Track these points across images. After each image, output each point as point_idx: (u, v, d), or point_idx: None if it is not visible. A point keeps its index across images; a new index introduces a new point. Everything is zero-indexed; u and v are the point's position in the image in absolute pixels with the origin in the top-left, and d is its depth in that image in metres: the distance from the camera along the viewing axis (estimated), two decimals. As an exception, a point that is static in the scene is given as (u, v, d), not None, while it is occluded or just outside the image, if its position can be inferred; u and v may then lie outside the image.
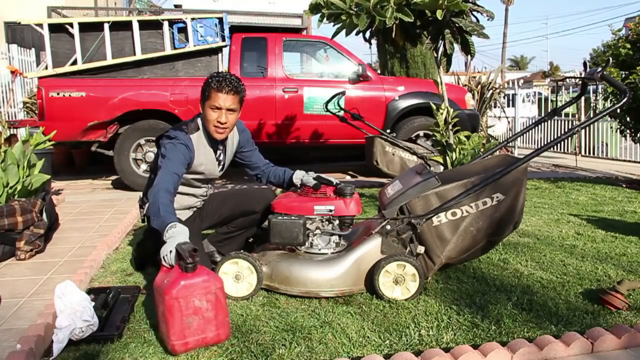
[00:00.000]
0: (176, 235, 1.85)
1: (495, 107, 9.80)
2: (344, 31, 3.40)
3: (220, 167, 2.47)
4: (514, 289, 2.24)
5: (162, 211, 1.99)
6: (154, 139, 5.18)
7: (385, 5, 3.10)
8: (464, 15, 3.31)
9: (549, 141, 3.19)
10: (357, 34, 3.40)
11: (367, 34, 3.52)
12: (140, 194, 2.59)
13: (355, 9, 3.20)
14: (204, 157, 2.34)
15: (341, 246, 2.33)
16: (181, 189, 2.41)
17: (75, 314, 1.75)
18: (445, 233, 2.22)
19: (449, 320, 1.95)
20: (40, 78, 5.25)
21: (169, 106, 5.25)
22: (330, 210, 2.28)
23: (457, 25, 3.30)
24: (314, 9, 3.35)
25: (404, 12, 3.08)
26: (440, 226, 2.21)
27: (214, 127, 2.27)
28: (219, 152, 2.42)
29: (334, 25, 3.42)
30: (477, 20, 3.43)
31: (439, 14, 3.04)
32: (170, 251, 1.79)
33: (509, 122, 9.72)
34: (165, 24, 5.40)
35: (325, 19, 3.37)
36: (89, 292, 2.17)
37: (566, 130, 8.99)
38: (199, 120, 2.36)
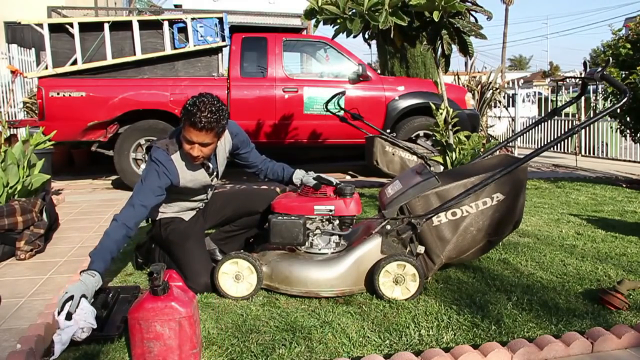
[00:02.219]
0: (86, 284, 1.83)
1: (495, 106, 9.81)
2: (343, 32, 3.40)
3: (214, 175, 2.45)
4: (514, 289, 2.24)
5: (100, 247, 2.00)
6: (154, 139, 5.25)
7: (379, 9, 3.10)
8: (462, 16, 3.31)
9: (549, 141, 3.20)
10: (354, 36, 3.40)
11: (366, 35, 3.52)
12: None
13: (349, 13, 3.20)
14: (189, 174, 2.30)
15: (341, 246, 2.33)
16: (181, 196, 2.42)
17: (78, 315, 1.75)
18: (445, 233, 2.22)
19: (449, 320, 1.95)
20: (40, 78, 5.26)
21: (169, 106, 5.25)
22: (331, 210, 2.28)
23: (454, 26, 3.30)
24: (308, 14, 3.36)
25: (398, 16, 3.07)
26: (440, 226, 2.21)
27: (189, 155, 2.21)
28: (207, 164, 2.37)
29: (332, 27, 3.42)
30: (476, 20, 3.43)
31: (436, 16, 3.03)
32: (66, 294, 1.75)
33: (509, 122, 9.72)
34: (165, 24, 5.40)
35: (321, 23, 3.38)
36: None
37: (566, 130, 9.00)
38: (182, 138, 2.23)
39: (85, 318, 1.75)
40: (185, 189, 2.36)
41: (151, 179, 2.19)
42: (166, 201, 2.41)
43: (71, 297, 1.75)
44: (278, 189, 3.00)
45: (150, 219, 2.51)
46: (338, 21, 3.27)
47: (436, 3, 3.01)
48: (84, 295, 1.78)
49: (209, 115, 2.08)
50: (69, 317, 1.71)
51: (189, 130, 2.12)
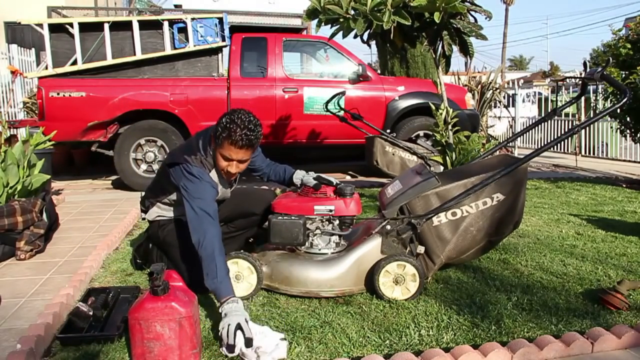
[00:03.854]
0: (239, 312, 1.71)
1: (495, 106, 9.81)
2: (342, 32, 3.40)
3: (233, 187, 2.48)
4: (514, 289, 2.24)
5: (219, 274, 1.84)
6: (154, 139, 5.27)
7: (382, 8, 3.10)
8: (462, 16, 3.31)
9: (549, 141, 3.20)
10: (355, 37, 3.40)
11: (365, 36, 3.51)
12: (142, 194, 2.58)
13: (352, 13, 3.20)
14: (222, 191, 2.33)
15: (341, 246, 2.33)
16: None
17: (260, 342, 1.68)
18: (445, 233, 2.22)
19: (449, 320, 1.95)
20: (40, 78, 5.26)
21: (169, 106, 5.25)
22: (331, 210, 2.28)
23: (455, 26, 3.30)
24: (311, 14, 3.35)
25: (401, 15, 3.08)
26: (440, 226, 2.21)
27: (223, 172, 2.20)
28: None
29: (331, 27, 3.42)
30: (476, 21, 3.43)
31: (437, 17, 3.03)
32: (229, 325, 1.65)
33: (509, 122, 9.72)
34: (165, 24, 5.40)
35: (323, 23, 3.37)
36: (89, 292, 2.17)
37: (566, 130, 9.00)
38: (209, 157, 2.21)
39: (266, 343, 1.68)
40: None
41: (203, 190, 2.08)
42: (167, 206, 2.42)
43: (238, 326, 1.65)
44: (278, 190, 3.00)
45: (147, 220, 2.51)
46: (341, 21, 3.26)
47: (437, 4, 3.01)
48: (246, 320, 1.69)
49: (248, 133, 2.05)
50: (248, 343, 1.64)
51: (228, 148, 2.08)
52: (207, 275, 1.86)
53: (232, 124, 2.04)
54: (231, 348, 1.63)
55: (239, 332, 1.64)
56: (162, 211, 2.45)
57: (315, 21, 3.45)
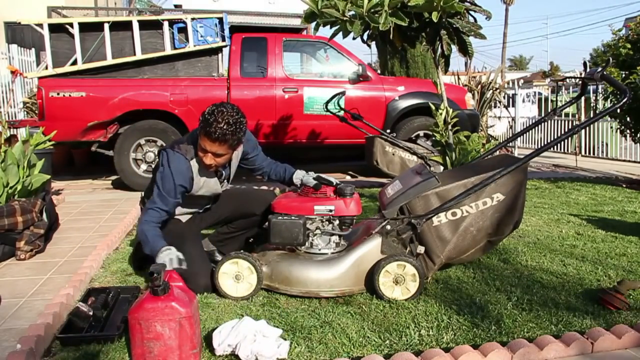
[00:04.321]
0: (172, 251, 2.02)
1: (495, 107, 9.81)
2: (341, 33, 3.40)
3: (225, 183, 2.47)
4: (514, 289, 2.24)
5: (151, 239, 2.12)
6: (154, 139, 5.27)
7: (378, 10, 3.09)
8: (461, 16, 3.31)
9: (549, 141, 3.19)
10: (354, 38, 3.40)
11: (365, 37, 3.51)
12: (142, 194, 2.59)
13: (349, 16, 3.20)
14: (204, 181, 2.32)
15: (341, 246, 2.33)
16: (190, 203, 2.42)
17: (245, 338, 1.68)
18: (445, 233, 2.22)
19: (449, 320, 1.95)
20: (40, 78, 5.26)
21: (169, 106, 5.25)
22: (331, 210, 2.28)
23: (453, 26, 3.30)
24: (308, 17, 3.35)
25: (398, 17, 3.07)
26: (440, 226, 2.21)
27: (202, 162, 2.23)
28: (220, 172, 2.39)
29: (331, 28, 3.42)
30: (475, 20, 3.43)
31: (435, 16, 3.03)
32: (170, 258, 1.92)
33: (509, 122, 9.72)
34: (165, 24, 5.40)
35: (321, 26, 3.37)
36: (89, 292, 2.17)
37: (566, 130, 9.00)
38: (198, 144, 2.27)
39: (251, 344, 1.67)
40: (194, 197, 2.36)
41: (168, 185, 2.20)
42: None
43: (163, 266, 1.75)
44: (277, 190, 3.00)
45: None
46: (338, 23, 3.26)
47: (435, 4, 3.01)
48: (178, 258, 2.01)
49: (224, 127, 2.07)
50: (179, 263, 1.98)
51: (203, 139, 2.12)
52: (143, 246, 2.14)
53: (212, 116, 2.09)
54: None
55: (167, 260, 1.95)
56: None
57: (314, 24, 3.45)
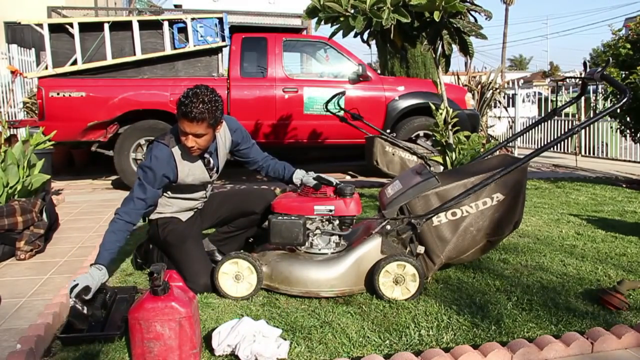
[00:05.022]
0: (93, 276, 1.96)
1: (495, 107, 9.81)
2: (342, 31, 3.40)
3: (213, 171, 2.44)
4: (514, 289, 2.24)
5: (106, 241, 2.13)
6: (154, 139, 5.25)
7: (381, 6, 3.10)
8: (462, 16, 3.31)
9: (549, 141, 3.20)
10: (355, 36, 3.39)
11: (365, 36, 3.51)
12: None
13: (352, 11, 3.20)
14: (188, 169, 2.31)
15: (341, 246, 2.33)
16: (180, 194, 2.42)
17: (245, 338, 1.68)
18: (445, 233, 2.22)
19: (449, 320, 1.95)
20: (40, 78, 5.26)
21: (169, 106, 5.25)
22: (330, 210, 2.28)
23: (454, 26, 3.30)
24: (310, 12, 3.35)
25: (400, 13, 3.08)
26: (440, 226, 2.21)
27: (185, 146, 2.23)
28: (207, 159, 2.38)
29: (331, 26, 3.42)
30: (475, 20, 3.43)
31: (436, 16, 3.03)
32: (74, 281, 1.91)
33: (509, 122, 9.72)
34: (165, 24, 5.40)
35: (322, 22, 3.37)
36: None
37: (566, 130, 9.00)
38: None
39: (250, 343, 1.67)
40: (185, 186, 2.36)
41: (148, 174, 2.22)
42: (165, 200, 2.42)
43: (76, 286, 1.88)
44: (278, 189, 3.00)
45: (147, 218, 2.51)
46: (340, 19, 3.26)
47: (436, 3, 3.01)
48: (87, 287, 1.90)
49: (200, 106, 2.10)
50: (86, 303, 1.89)
51: (182, 121, 2.15)
52: (103, 241, 2.14)
53: (186, 98, 2.12)
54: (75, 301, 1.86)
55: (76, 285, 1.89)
56: (161, 208, 2.44)
57: (315, 20, 3.45)
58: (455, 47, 3.43)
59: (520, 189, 2.25)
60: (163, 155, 2.24)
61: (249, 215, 2.56)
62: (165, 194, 2.39)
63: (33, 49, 8.52)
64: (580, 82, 3.09)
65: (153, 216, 2.46)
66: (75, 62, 5.27)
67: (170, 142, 2.27)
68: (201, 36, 5.50)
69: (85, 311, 1.88)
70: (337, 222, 2.30)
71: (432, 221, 2.20)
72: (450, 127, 3.88)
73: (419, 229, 2.18)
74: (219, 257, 2.55)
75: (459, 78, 9.28)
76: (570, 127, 8.80)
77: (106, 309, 2.03)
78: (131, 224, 2.20)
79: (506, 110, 9.85)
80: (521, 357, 1.65)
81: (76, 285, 1.88)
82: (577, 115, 8.64)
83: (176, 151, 2.27)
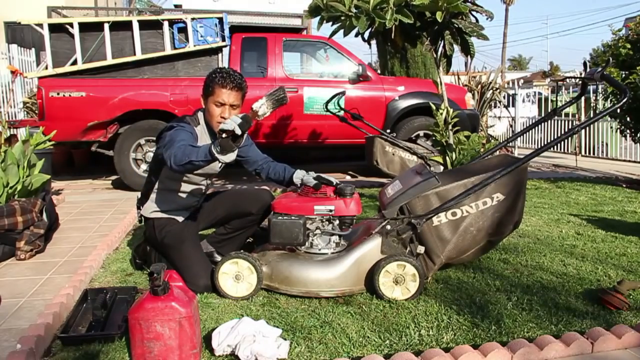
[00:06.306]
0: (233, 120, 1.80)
1: (495, 106, 9.81)
2: (342, 31, 3.39)
3: (221, 163, 2.44)
4: (514, 289, 2.24)
5: (193, 149, 1.97)
6: (154, 139, 5.26)
7: (384, 7, 3.10)
8: (464, 16, 3.31)
9: (549, 141, 3.20)
10: (356, 35, 3.39)
11: (366, 35, 3.52)
12: (139, 194, 2.58)
13: (355, 11, 3.20)
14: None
15: (341, 246, 2.33)
16: (183, 183, 2.41)
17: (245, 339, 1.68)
18: (445, 233, 2.22)
19: (449, 320, 1.95)
20: (40, 78, 5.26)
21: (169, 106, 5.25)
22: (331, 210, 2.28)
23: (456, 26, 3.30)
24: (313, 11, 3.35)
25: (403, 14, 3.08)
26: (440, 226, 2.21)
27: (217, 122, 2.28)
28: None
29: (332, 25, 3.41)
30: (477, 21, 3.43)
31: (439, 16, 3.03)
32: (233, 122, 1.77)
33: (509, 122, 9.72)
34: (165, 24, 5.40)
35: (325, 21, 3.36)
36: (86, 293, 2.17)
37: (566, 130, 9.00)
38: (200, 115, 2.40)
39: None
40: (195, 174, 2.38)
41: (181, 133, 2.17)
42: (163, 193, 2.41)
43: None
44: (278, 190, 3.00)
45: (143, 218, 2.51)
46: (342, 19, 3.26)
47: (439, 3, 3.01)
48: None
49: (237, 75, 2.29)
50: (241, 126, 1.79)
51: (219, 91, 2.26)
52: (192, 155, 1.93)
53: (219, 73, 2.28)
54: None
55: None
56: (156, 204, 2.43)
57: (316, 20, 3.45)
58: (456, 48, 3.44)
59: (520, 189, 2.25)
60: (186, 127, 2.27)
61: (245, 216, 2.56)
62: (159, 185, 2.41)
63: (33, 49, 8.52)
64: (580, 82, 3.09)
65: (150, 215, 2.45)
66: (75, 62, 5.27)
67: (191, 122, 2.34)
68: (201, 36, 5.50)
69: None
70: (337, 222, 2.30)
71: (432, 221, 2.20)
72: (450, 127, 3.88)
73: (419, 229, 2.18)
74: (217, 259, 2.55)
75: (459, 78, 9.28)
76: (570, 127, 8.80)
77: (106, 309, 2.03)
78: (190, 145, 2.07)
79: (506, 110, 9.85)
80: (521, 357, 1.64)
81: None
82: (577, 115, 8.64)
83: (197, 130, 2.34)
